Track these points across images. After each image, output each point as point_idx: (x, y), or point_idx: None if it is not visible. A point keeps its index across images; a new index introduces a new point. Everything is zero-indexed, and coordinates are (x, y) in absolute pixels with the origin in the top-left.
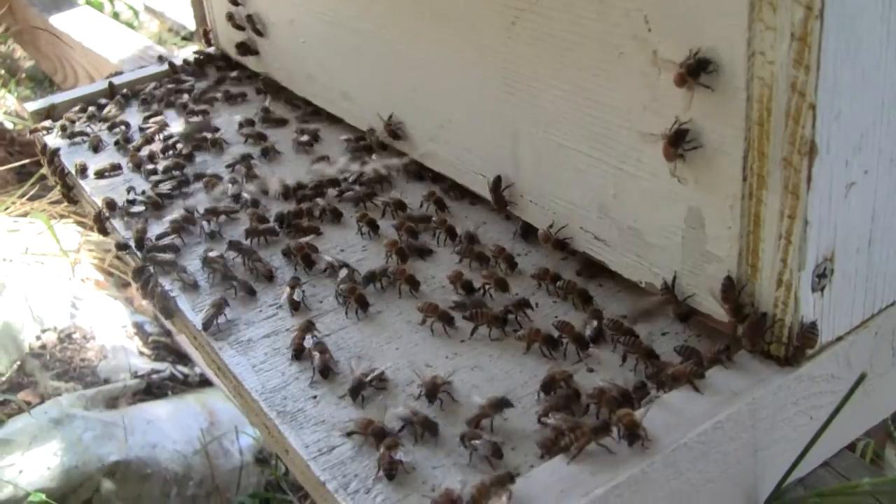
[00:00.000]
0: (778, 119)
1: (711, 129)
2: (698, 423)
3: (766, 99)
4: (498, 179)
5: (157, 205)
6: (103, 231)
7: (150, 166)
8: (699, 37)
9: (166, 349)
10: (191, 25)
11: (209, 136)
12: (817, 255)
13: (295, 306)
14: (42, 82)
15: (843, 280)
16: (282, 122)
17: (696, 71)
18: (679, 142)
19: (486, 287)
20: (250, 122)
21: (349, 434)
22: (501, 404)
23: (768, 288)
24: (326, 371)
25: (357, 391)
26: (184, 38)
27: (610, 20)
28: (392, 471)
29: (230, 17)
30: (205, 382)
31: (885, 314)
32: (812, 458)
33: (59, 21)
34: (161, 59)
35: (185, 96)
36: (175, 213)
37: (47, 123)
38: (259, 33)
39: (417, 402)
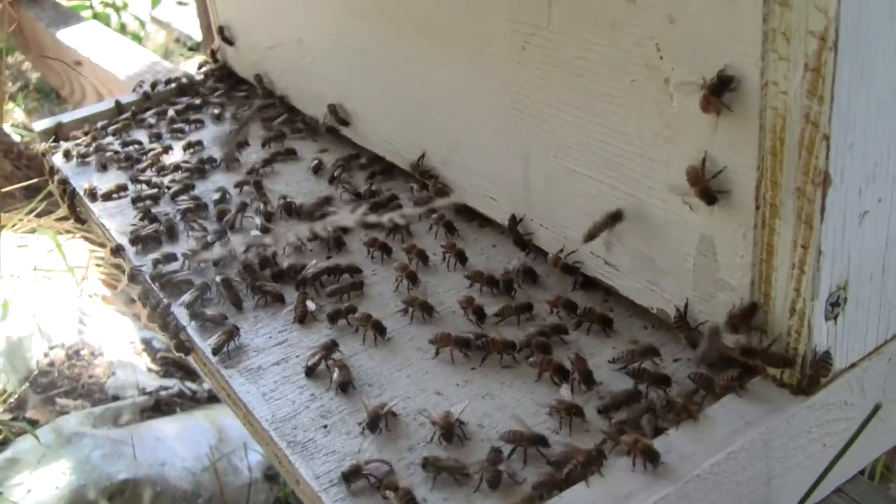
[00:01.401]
0: (791, 149)
1: (724, 158)
2: (711, 453)
3: (779, 129)
4: (513, 218)
5: (171, 230)
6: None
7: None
8: (712, 66)
9: (174, 365)
10: (197, 36)
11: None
12: (831, 284)
13: (302, 318)
14: (49, 94)
15: (857, 307)
16: None
17: (719, 89)
18: (712, 200)
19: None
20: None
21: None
22: (538, 441)
23: (781, 317)
24: (346, 386)
25: (375, 424)
26: (190, 49)
27: (621, 47)
28: None
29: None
30: (213, 398)
31: None
32: (826, 485)
33: (66, 36)
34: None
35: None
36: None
37: (55, 144)
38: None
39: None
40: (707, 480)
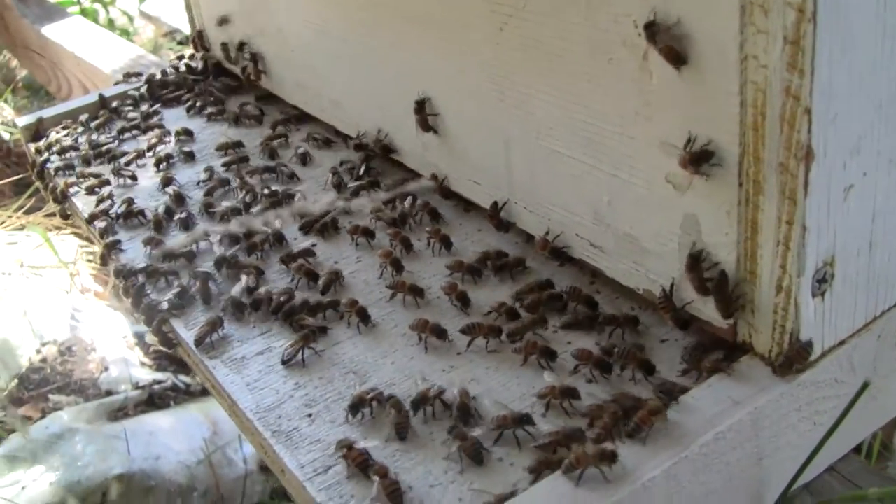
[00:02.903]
0: (773, 124)
1: (706, 135)
2: (700, 434)
3: (760, 104)
4: (495, 205)
5: (158, 224)
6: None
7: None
8: (689, 42)
9: (168, 359)
10: (186, 30)
11: None
12: (817, 260)
13: (276, 309)
14: (39, 91)
15: (844, 284)
16: None
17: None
18: (701, 162)
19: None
20: None
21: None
22: (522, 420)
23: (767, 294)
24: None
25: (357, 408)
26: (179, 43)
27: (599, 26)
28: (397, 495)
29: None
30: (207, 391)
31: (887, 316)
32: (817, 464)
33: (51, 31)
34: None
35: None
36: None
37: (42, 142)
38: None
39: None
40: (696, 462)
